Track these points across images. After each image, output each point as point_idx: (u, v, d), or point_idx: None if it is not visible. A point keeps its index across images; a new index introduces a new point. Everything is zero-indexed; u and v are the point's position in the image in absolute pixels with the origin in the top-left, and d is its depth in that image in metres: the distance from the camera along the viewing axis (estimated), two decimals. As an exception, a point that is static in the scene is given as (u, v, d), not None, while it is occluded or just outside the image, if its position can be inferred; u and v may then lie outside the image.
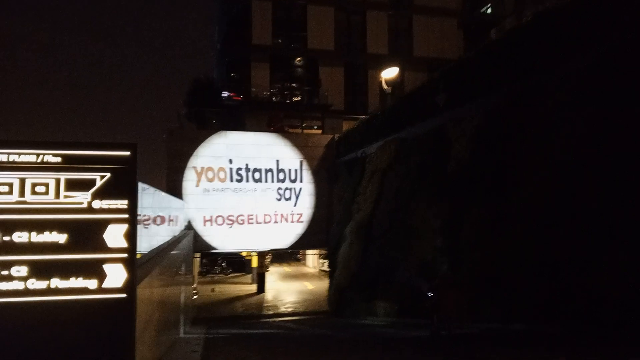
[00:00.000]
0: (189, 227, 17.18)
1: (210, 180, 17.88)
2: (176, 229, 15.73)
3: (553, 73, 7.17)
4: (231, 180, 18.03)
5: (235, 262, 26.36)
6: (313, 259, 29.57)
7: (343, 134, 19.53)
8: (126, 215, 2.85)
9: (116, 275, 2.77)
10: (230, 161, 18.11)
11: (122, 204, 2.86)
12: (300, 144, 19.08)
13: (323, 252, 24.64)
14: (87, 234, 2.79)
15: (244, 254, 24.42)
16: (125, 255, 2.81)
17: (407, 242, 11.21)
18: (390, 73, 18.49)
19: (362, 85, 27.09)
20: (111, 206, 2.83)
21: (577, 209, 6.40)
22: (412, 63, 26.23)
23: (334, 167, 18.47)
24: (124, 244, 2.81)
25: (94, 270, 2.76)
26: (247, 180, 18.20)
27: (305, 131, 25.51)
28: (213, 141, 18.10)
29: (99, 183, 2.82)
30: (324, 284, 20.04)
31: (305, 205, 18.76)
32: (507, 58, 8.40)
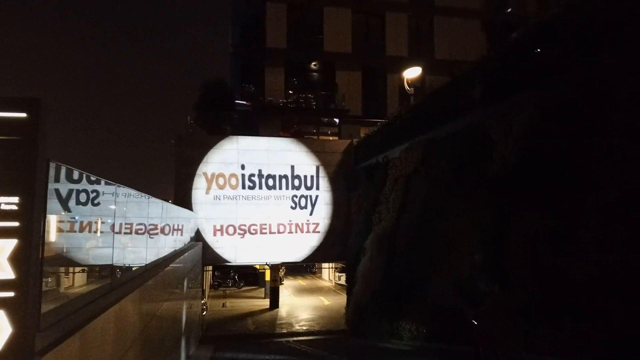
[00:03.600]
0: (198, 238, 16.11)
1: (221, 187, 16.79)
2: (182, 239, 14.58)
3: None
4: (243, 187, 16.93)
5: (249, 275, 25.27)
6: (329, 272, 28.24)
7: (362, 138, 18.26)
8: (15, 223, 1.62)
9: (-6, 329, 1.56)
10: (243, 167, 17.02)
11: (10, 202, 1.65)
12: (316, 149, 17.91)
13: (339, 265, 23.33)
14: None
15: (257, 266, 23.27)
16: (10, 294, 1.59)
17: (438, 256, 9.83)
18: (412, 73, 17.25)
19: (381, 90, 25.81)
20: (-10, 207, 1.63)
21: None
22: (434, 66, 24.82)
23: (353, 174, 17.17)
24: (8, 274, 1.59)
25: (-46, 320, 1.56)
26: (260, 187, 17.06)
27: (321, 137, 24.33)
28: (224, 146, 17.06)
29: (-31, 166, 1.63)
30: (340, 299, 18.69)
31: (321, 214, 17.50)
32: (570, 35, 7.01)
